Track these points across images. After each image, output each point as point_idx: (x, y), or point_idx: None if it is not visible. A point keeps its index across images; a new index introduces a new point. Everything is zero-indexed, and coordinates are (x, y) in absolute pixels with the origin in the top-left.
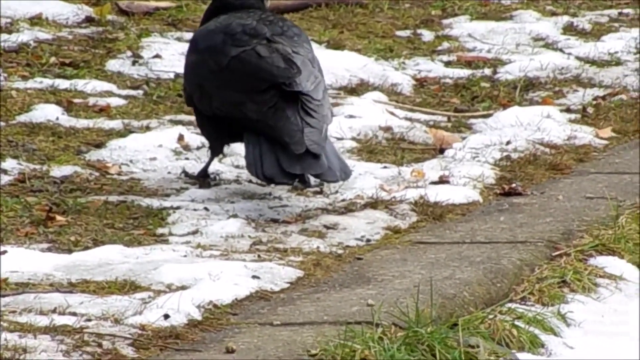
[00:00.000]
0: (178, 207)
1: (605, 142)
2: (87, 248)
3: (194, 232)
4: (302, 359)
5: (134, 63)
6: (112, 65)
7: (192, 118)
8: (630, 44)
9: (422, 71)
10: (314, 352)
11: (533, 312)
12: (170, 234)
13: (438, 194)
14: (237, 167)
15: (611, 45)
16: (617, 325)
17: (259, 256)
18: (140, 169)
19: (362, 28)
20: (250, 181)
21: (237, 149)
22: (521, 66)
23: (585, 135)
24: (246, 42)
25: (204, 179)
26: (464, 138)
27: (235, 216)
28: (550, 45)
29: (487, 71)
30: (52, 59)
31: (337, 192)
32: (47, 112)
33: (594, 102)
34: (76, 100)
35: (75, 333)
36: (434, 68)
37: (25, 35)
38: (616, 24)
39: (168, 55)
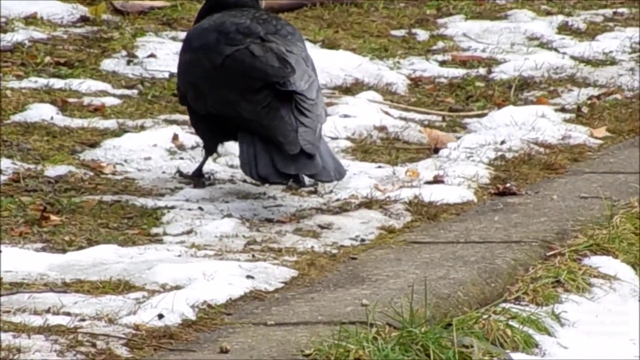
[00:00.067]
0: (172, 207)
1: (600, 141)
2: (81, 248)
3: (189, 232)
4: (296, 359)
5: (128, 62)
6: (107, 64)
7: (187, 117)
8: (625, 43)
9: (416, 70)
10: (308, 352)
11: (527, 312)
12: (165, 233)
13: (432, 194)
14: (232, 166)
15: (606, 44)
16: (611, 325)
17: (253, 256)
18: (135, 169)
19: (357, 27)
20: (244, 181)
21: (232, 149)
22: (516, 66)
23: (579, 134)
24: (240, 41)
25: (198, 178)
26: (458, 138)
27: (229, 216)
28: (545, 45)
29: (482, 71)
30: (47, 59)
31: (331, 191)
32: (41, 112)
33: (589, 102)
34: (71, 100)
35: (69, 333)
36: (428, 67)
37: (20, 35)
38: (611, 24)
39: (163, 54)
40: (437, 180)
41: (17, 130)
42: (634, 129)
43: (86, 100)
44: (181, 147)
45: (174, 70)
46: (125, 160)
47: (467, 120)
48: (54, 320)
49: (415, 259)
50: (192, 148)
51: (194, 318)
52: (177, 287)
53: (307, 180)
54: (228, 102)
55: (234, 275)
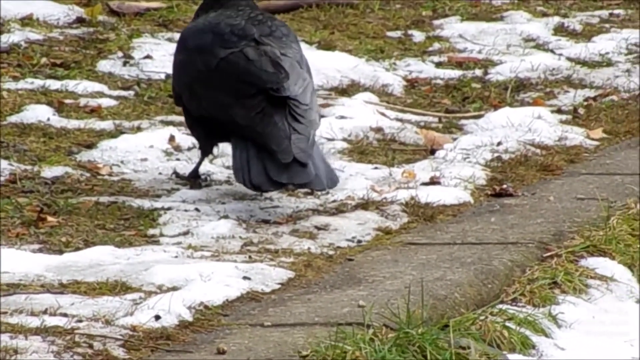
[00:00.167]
0: (169, 208)
1: (596, 143)
2: (78, 249)
3: (185, 233)
4: None
5: (125, 64)
6: (103, 65)
7: (183, 119)
8: (621, 44)
9: (413, 72)
10: (304, 353)
11: (524, 313)
12: (161, 234)
13: (429, 195)
14: (228, 168)
15: (602, 46)
16: (608, 326)
17: (249, 257)
18: (131, 170)
19: (353, 29)
20: None
21: (228, 150)
22: (512, 67)
23: (576, 136)
24: (234, 43)
25: (194, 179)
26: (454, 139)
27: (226, 217)
28: (541, 46)
29: (478, 72)
30: (43, 60)
31: (328, 193)
32: (38, 113)
33: (585, 103)
34: (67, 101)
35: (66, 334)
36: (424, 69)
37: (16, 36)
38: (607, 25)
39: (159, 55)
40: (433, 182)
41: (13, 131)
42: (630, 130)
43: (82, 101)
44: (177, 148)
45: (170, 71)
46: (122, 162)
47: (463, 121)
48: (51, 321)
49: (412, 260)
50: (189, 149)
51: (190, 319)
52: (174, 288)
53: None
54: (222, 106)
55: (231, 277)
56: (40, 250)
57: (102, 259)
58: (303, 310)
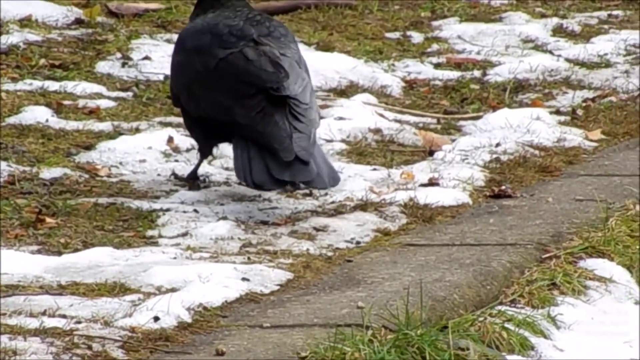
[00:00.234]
0: (168, 209)
1: (595, 144)
2: (76, 250)
3: (184, 234)
4: None
5: (123, 65)
6: (102, 67)
7: (182, 120)
8: (620, 45)
9: (411, 73)
10: (304, 354)
11: (523, 314)
12: (160, 236)
13: (428, 196)
14: (227, 169)
15: (601, 47)
16: (607, 327)
17: (248, 258)
18: (130, 171)
19: (352, 30)
20: (240, 183)
21: (227, 151)
22: (511, 68)
23: (574, 137)
24: (233, 43)
25: (193, 181)
26: (453, 140)
27: (224, 218)
28: (540, 47)
29: (477, 73)
30: (42, 61)
31: (326, 194)
32: (36, 114)
33: (584, 104)
34: (66, 102)
35: (65, 335)
36: (423, 70)
37: (15, 37)
38: (605, 26)
39: (158, 57)
40: (432, 183)
41: (12, 132)
42: (629, 131)
43: (81, 102)
44: (176, 150)
45: (169, 72)
46: (121, 163)
47: (462, 122)
48: (49, 322)
49: (411, 261)
50: (187, 150)
51: (189, 320)
52: (173, 290)
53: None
54: (221, 106)
55: (230, 278)
56: (39, 252)
57: (100, 260)
58: (302, 311)
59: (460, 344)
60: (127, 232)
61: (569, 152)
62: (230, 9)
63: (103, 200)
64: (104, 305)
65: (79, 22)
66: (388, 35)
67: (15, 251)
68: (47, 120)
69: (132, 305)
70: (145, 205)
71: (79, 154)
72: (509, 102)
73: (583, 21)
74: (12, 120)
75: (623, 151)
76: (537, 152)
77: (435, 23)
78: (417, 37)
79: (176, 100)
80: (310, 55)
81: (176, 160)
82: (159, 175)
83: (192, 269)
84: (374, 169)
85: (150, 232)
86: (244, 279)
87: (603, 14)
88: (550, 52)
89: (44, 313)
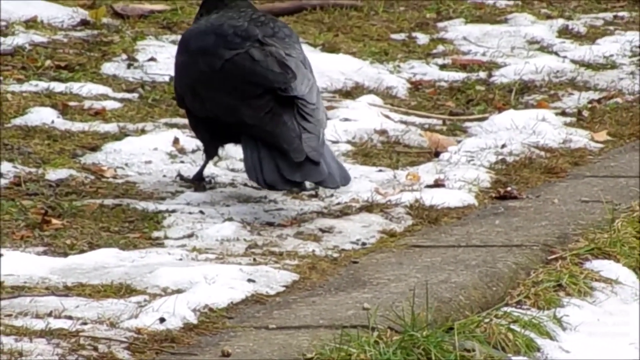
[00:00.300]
0: (173, 211)
1: (601, 145)
2: (82, 251)
3: (190, 236)
4: None
5: (129, 66)
6: (108, 68)
7: (187, 121)
8: (626, 47)
9: (417, 74)
10: (309, 355)
11: (529, 315)
12: (166, 237)
13: (433, 198)
14: (233, 170)
15: (606, 48)
16: (613, 329)
17: (254, 259)
18: (136, 172)
19: (357, 31)
20: (245, 184)
21: (233, 152)
22: (516, 69)
23: (580, 138)
24: (239, 44)
25: (199, 182)
26: (459, 141)
27: (230, 219)
28: (546, 49)
29: (482, 74)
30: (48, 62)
31: (332, 195)
32: (42, 115)
33: (589, 106)
34: (71, 104)
35: (71, 337)
36: (429, 71)
37: (21, 38)
38: (611, 27)
39: (163, 58)
40: (438, 184)
41: (18, 134)
42: (634, 132)
43: (87, 103)
44: (182, 151)
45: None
46: (126, 164)
47: (467, 124)
48: (55, 323)
49: (417, 262)
50: (193, 152)
51: (195, 322)
52: (179, 291)
53: (307, 184)
54: (228, 107)
55: (235, 279)
56: (44, 253)
57: (106, 262)
58: (308, 312)
59: (466, 346)
60: (133, 234)
61: (575, 153)
62: (234, 9)
63: (109, 201)
64: (110, 307)
65: (84, 23)
66: (393, 36)
67: (21, 252)
68: (52, 122)
69: (138, 306)
70: (151, 206)
71: (84, 155)
72: (514, 104)
73: (588, 22)
74: (17, 121)
75: (629, 152)
76: (542, 153)
77: (440, 24)
78: (422, 38)
79: (181, 101)
80: (315, 57)
81: (182, 162)
82: (164, 176)
83: (197, 270)
84: (380, 170)
85: (156, 234)
86: (249, 280)
87: (609, 15)
88: (556, 54)
89: (49, 314)
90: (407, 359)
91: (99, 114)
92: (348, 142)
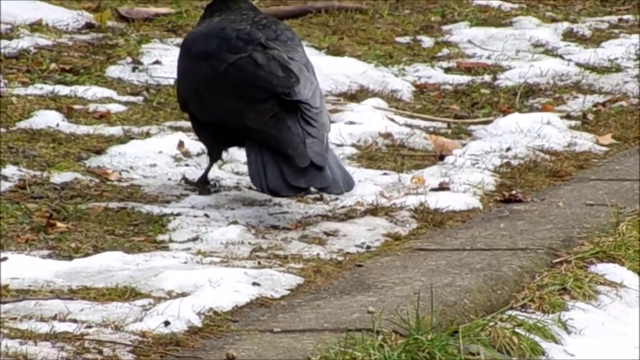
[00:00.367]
0: (178, 214)
1: (606, 148)
2: (87, 255)
3: (194, 239)
4: None
5: (134, 69)
6: (112, 71)
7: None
8: (631, 50)
9: (421, 77)
10: (314, 359)
11: (533, 319)
12: (171, 240)
13: (438, 201)
14: (237, 173)
15: (611, 51)
16: (617, 333)
17: (259, 263)
18: (141, 176)
19: (362, 34)
20: (250, 188)
21: (237, 156)
22: (521, 72)
23: (585, 141)
24: (241, 48)
25: (204, 185)
26: (464, 145)
27: (235, 223)
28: (550, 52)
29: (487, 77)
30: (52, 65)
31: (337, 198)
32: (47, 119)
33: (594, 109)
34: (76, 107)
35: (75, 340)
36: (433, 74)
37: (26, 42)
38: (616, 30)
39: (168, 61)
40: (442, 187)
41: (22, 137)
42: (639, 135)
43: (91, 107)
44: (187, 154)
45: None
46: (131, 167)
47: (472, 127)
48: (60, 327)
49: (421, 266)
50: (198, 155)
51: (200, 325)
52: (183, 294)
53: (312, 188)
54: (232, 111)
55: (240, 282)
56: (49, 256)
57: (111, 265)
58: (312, 316)
59: (470, 349)
60: (138, 237)
61: (580, 156)
62: (236, 12)
63: (114, 204)
64: (115, 310)
65: (89, 26)
66: (398, 39)
67: (25, 255)
68: (57, 125)
69: (143, 309)
70: (155, 209)
71: (89, 159)
72: (519, 107)
73: (593, 25)
74: (22, 124)
75: (634, 156)
76: (547, 156)
77: (445, 27)
78: (427, 41)
79: (184, 105)
80: (320, 60)
81: (187, 165)
82: (169, 179)
83: (202, 274)
84: (385, 174)
85: (160, 237)
86: (254, 283)
87: (614, 18)
88: (561, 57)
89: (54, 318)
90: None
91: (104, 117)
92: (353, 145)
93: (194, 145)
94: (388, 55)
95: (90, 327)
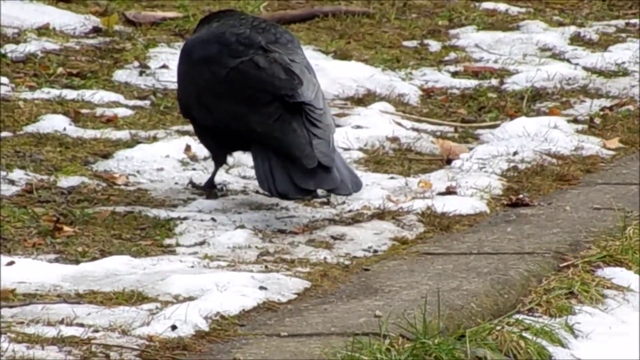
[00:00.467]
0: (185, 218)
1: (613, 152)
2: (94, 259)
3: (201, 243)
4: None
5: (141, 73)
6: (120, 75)
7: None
8: (637, 54)
9: (429, 81)
10: None
11: (540, 323)
12: (178, 244)
13: (445, 205)
14: (244, 177)
15: (618, 55)
16: (624, 337)
17: (266, 267)
18: (148, 180)
19: (369, 38)
20: (257, 192)
21: (244, 160)
22: (528, 76)
23: (592, 145)
24: (242, 52)
25: (210, 189)
26: (471, 149)
27: (242, 227)
28: (557, 56)
29: (494, 81)
30: (60, 70)
31: (344, 202)
32: (54, 123)
33: (601, 113)
34: (83, 111)
35: (82, 344)
36: (441, 78)
37: (33, 46)
38: (623, 35)
39: (175, 65)
40: (449, 191)
41: (29, 141)
42: None
43: (99, 111)
44: (193, 158)
45: None
46: (138, 171)
47: (479, 131)
48: (67, 331)
49: (428, 270)
50: (205, 159)
51: (207, 329)
52: (190, 298)
53: (319, 191)
54: (236, 115)
55: (247, 286)
56: (56, 260)
57: (118, 269)
58: (319, 320)
59: (477, 353)
60: (145, 241)
61: (587, 160)
62: (234, 17)
63: (121, 208)
64: (122, 314)
65: (96, 30)
66: (405, 43)
67: (33, 260)
68: (64, 129)
69: (150, 314)
70: (162, 213)
71: (96, 163)
72: (526, 111)
73: (601, 30)
74: (29, 128)
75: None
76: (554, 160)
77: (452, 31)
78: (434, 45)
79: (186, 112)
80: (327, 64)
81: (194, 169)
82: (176, 183)
83: (209, 278)
84: (392, 178)
85: (167, 241)
86: (261, 287)
87: (621, 22)
88: (568, 61)
89: (61, 322)
90: None
91: (111, 121)
92: (360, 149)
93: (201, 149)
94: (395, 59)
95: (97, 331)
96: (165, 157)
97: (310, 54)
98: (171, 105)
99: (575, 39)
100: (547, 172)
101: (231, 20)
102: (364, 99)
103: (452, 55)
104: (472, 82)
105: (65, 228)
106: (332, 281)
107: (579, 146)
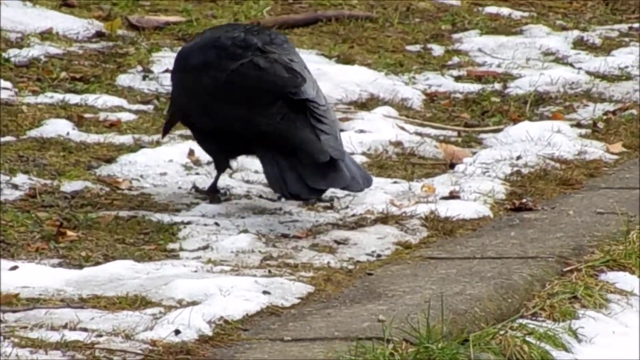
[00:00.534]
0: (189, 222)
1: (616, 157)
2: (98, 263)
3: (205, 248)
4: None
5: (144, 78)
6: (123, 80)
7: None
8: None
9: (432, 86)
10: None
11: (544, 327)
12: (181, 249)
13: (448, 209)
14: (248, 182)
15: (621, 59)
16: (628, 341)
17: (269, 271)
18: (151, 184)
19: (372, 42)
20: (260, 196)
21: (248, 164)
22: (531, 81)
23: (595, 150)
24: (241, 54)
25: (214, 194)
26: (474, 153)
27: (245, 231)
28: (561, 60)
29: (497, 86)
30: (63, 74)
31: (347, 207)
32: (57, 127)
33: (605, 117)
34: (87, 115)
35: (86, 349)
36: (444, 83)
37: (36, 50)
38: (626, 39)
39: None
40: (453, 196)
41: (33, 145)
42: None
43: (102, 115)
44: (197, 163)
45: None
46: (141, 176)
47: (482, 135)
48: (70, 336)
49: (432, 274)
50: (208, 163)
51: (210, 334)
52: (194, 303)
53: (330, 191)
54: (240, 118)
55: (250, 291)
56: (60, 265)
57: (121, 274)
58: (323, 324)
59: (481, 357)
60: (148, 245)
61: (590, 164)
62: (226, 25)
63: (124, 213)
64: (125, 319)
65: (99, 35)
66: (409, 48)
67: (36, 264)
68: (68, 133)
69: (153, 318)
70: (166, 218)
71: (99, 167)
72: (529, 115)
73: (604, 34)
74: (33, 133)
75: None
76: (558, 165)
77: (455, 36)
78: (437, 49)
79: (184, 119)
80: (330, 68)
81: (197, 173)
82: (179, 188)
83: (213, 282)
84: (395, 182)
85: (171, 245)
86: (264, 292)
87: (624, 26)
88: (571, 65)
89: (65, 326)
90: None
91: (114, 126)
92: (363, 153)
93: (205, 153)
94: (398, 64)
95: (100, 335)
96: (169, 162)
97: (313, 59)
98: None
99: (578, 43)
100: (551, 177)
101: (225, 26)
102: (367, 104)
103: (455, 59)
104: (475, 87)
105: (69, 232)
106: (336, 286)
107: (582, 150)
